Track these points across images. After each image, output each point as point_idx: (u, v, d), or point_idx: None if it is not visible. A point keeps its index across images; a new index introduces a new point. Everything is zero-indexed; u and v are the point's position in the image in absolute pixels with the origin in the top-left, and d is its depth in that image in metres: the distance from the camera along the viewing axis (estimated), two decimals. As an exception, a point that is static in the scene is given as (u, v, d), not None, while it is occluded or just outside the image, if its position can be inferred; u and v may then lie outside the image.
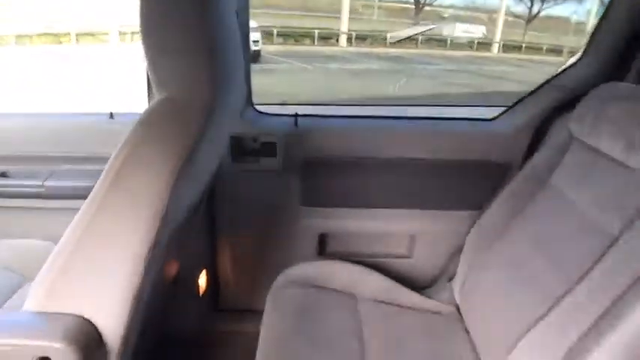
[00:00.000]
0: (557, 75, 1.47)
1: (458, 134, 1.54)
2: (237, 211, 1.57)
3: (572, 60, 1.45)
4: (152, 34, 0.71)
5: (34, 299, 0.76)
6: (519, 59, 15.98)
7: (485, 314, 1.18)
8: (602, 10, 1.39)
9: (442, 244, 1.58)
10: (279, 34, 14.70)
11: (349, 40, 15.99)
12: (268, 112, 1.54)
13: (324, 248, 1.64)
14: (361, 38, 16.01)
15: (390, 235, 1.64)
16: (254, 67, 1.53)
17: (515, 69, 13.76)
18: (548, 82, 1.48)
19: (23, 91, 6.19)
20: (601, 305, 0.87)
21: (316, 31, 15.16)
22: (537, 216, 1.18)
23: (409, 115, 1.67)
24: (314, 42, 15.20)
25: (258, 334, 1.21)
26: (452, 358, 1.18)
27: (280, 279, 1.38)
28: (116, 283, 0.76)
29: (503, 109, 1.56)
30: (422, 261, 1.64)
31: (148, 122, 0.74)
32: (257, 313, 1.29)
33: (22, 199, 1.43)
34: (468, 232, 1.38)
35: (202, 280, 1.60)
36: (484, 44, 18.42)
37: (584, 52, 1.42)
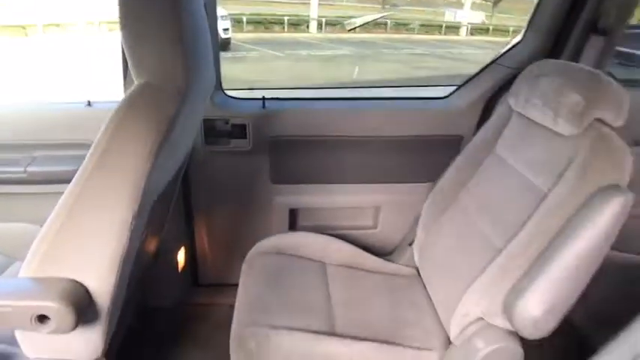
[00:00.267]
0: (501, 55, 1.60)
1: (415, 112, 1.66)
2: (212, 191, 1.66)
3: (515, 41, 1.58)
4: (130, 24, 0.80)
5: (30, 266, 0.85)
6: (487, 41, 16.26)
7: (440, 271, 1.32)
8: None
9: (404, 214, 1.71)
10: (248, 22, 14.58)
11: (319, 26, 15.98)
12: (237, 96, 1.63)
13: (295, 223, 1.76)
14: (331, 24, 16.01)
15: (357, 207, 1.77)
16: (225, 55, 1.62)
17: (481, 51, 14.02)
18: (493, 61, 1.61)
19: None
20: (534, 252, 1.01)
21: (286, 18, 15.09)
22: (483, 182, 1.32)
23: (370, 96, 1.79)
24: (284, 29, 15.15)
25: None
26: (410, 309, 1.32)
27: (254, 250, 1.49)
28: (104, 249, 0.85)
29: (454, 87, 1.68)
30: (386, 230, 1.77)
31: (130, 104, 0.83)
32: (234, 287, 1.38)
33: (4, 185, 1.49)
34: None
35: (181, 256, 1.70)
36: (452, 27, 18.63)
37: (525, 33, 1.56)
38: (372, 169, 1.69)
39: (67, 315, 0.81)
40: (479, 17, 19.35)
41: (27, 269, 0.85)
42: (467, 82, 1.66)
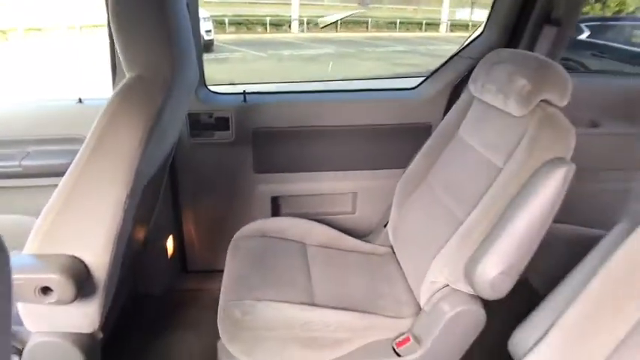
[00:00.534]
0: (464, 47, 1.72)
1: (387, 102, 1.77)
2: (198, 181, 1.76)
3: (476, 34, 1.70)
4: (122, 23, 0.90)
5: (33, 244, 0.94)
6: (466, 37, 16.44)
7: (410, 246, 1.43)
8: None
9: (380, 198, 1.82)
10: (230, 23, 14.60)
11: (301, 26, 16.06)
12: (220, 91, 1.73)
13: (277, 210, 1.86)
14: (313, 24, 16.10)
15: (335, 194, 1.87)
16: (208, 56, 1.72)
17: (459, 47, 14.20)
18: (457, 53, 1.73)
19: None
20: (490, 221, 1.12)
21: (268, 19, 15.14)
22: (448, 163, 1.43)
23: (345, 88, 1.90)
24: (266, 29, 15.20)
25: None
26: (385, 283, 1.43)
27: (239, 233, 1.58)
28: (100, 227, 0.95)
29: (423, 78, 1.80)
30: (363, 215, 1.88)
31: (122, 95, 0.93)
32: (221, 273, 1.46)
33: (0, 179, 1.57)
34: None
35: (170, 244, 1.79)
36: (433, 25, 18.82)
37: (485, 26, 1.68)
38: (349, 157, 1.80)
39: (67, 286, 0.91)
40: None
41: (30, 247, 0.94)
42: (433, 73, 1.77)
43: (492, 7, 1.64)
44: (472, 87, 1.39)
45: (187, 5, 1.17)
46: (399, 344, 1.21)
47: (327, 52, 12.61)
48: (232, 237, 1.60)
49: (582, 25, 6.16)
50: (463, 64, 1.69)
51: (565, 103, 1.16)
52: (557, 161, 1.06)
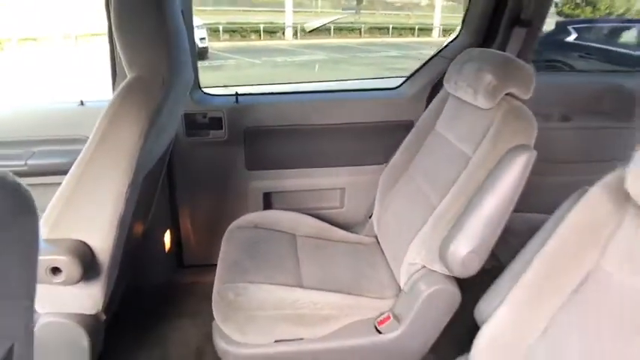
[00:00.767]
0: (442, 49, 1.83)
1: (371, 102, 1.88)
2: (193, 178, 1.86)
3: (453, 36, 1.81)
4: (124, 28, 1.00)
5: (43, 230, 1.04)
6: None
7: (392, 233, 1.54)
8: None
9: (367, 193, 1.92)
10: (225, 31, 14.72)
11: (295, 33, 16.20)
12: (213, 93, 1.83)
13: (269, 205, 1.96)
14: (307, 31, 16.24)
15: (324, 189, 1.97)
16: (202, 63, 1.83)
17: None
18: (436, 55, 1.84)
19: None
20: (461, 205, 1.23)
21: (261, 26, 15.27)
22: (426, 155, 1.54)
23: (331, 89, 2.01)
24: (260, 37, 15.32)
25: None
26: (369, 269, 1.53)
27: (233, 225, 1.68)
28: (104, 214, 1.05)
29: (404, 79, 1.91)
30: (351, 209, 1.98)
31: (124, 94, 1.03)
32: (216, 266, 1.53)
33: None
34: None
35: (167, 239, 1.88)
36: (425, 30, 19.00)
37: (461, 28, 1.79)
38: (337, 154, 1.90)
39: (74, 267, 1.01)
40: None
41: (41, 232, 1.04)
42: (414, 73, 1.88)
43: (467, 10, 1.76)
44: (447, 85, 1.49)
45: (182, 13, 1.27)
46: (381, 322, 1.31)
47: (321, 58, 12.76)
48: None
49: (570, 28, 6.31)
50: (441, 65, 1.80)
51: (528, 96, 1.27)
52: (519, 148, 1.17)
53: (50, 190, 1.05)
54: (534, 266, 0.89)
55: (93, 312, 1.16)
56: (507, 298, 0.90)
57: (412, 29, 18.44)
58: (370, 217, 1.74)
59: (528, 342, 0.86)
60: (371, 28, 17.57)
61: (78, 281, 1.03)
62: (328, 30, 15.96)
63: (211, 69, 10.11)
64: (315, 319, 1.29)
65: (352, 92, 1.93)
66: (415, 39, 17.75)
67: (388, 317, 1.31)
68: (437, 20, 19.48)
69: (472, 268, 1.19)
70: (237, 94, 1.79)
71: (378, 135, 1.88)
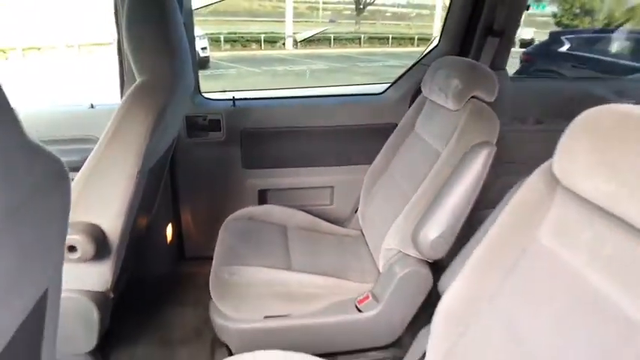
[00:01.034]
0: (423, 57, 1.99)
1: (358, 106, 2.03)
2: (193, 176, 2.01)
3: (434, 44, 1.97)
4: (133, 35, 1.16)
5: None
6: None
7: (374, 226, 1.68)
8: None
9: (354, 191, 2.06)
10: (226, 41, 14.94)
11: (295, 42, 16.42)
12: (213, 97, 1.99)
13: (263, 201, 2.11)
14: (307, 40, 16.46)
15: (315, 187, 2.12)
16: (204, 72, 1.99)
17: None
18: (417, 62, 1.99)
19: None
20: (431, 196, 1.38)
21: (262, 36, 15.50)
22: (405, 153, 1.69)
23: (321, 94, 2.16)
24: (261, 46, 15.54)
25: None
26: (353, 257, 1.68)
27: (230, 217, 1.84)
28: (115, 199, 1.20)
29: (388, 84, 2.06)
30: (340, 206, 2.13)
31: (134, 96, 1.18)
32: None
33: None
34: None
35: (169, 232, 2.03)
36: (424, 40, 19.24)
37: (440, 37, 1.95)
38: (326, 154, 2.05)
39: (88, 245, 1.16)
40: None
41: None
42: (397, 79, 2.04)
43: (445, 20, 1.91)
44: (423, 89, 1.65)
45: (184, 23, 1.43)
46: (360, 301, 1.45)
47: (320, 67, 12.95)
48: None
49: (563, 38, 6.49)
50: (422, 71, 1.95)
51: (493, 98, 1.42)
52: (481, 145, 1.31)
53: None
54: (483, 243, 1.01)
55: (103, 289, 1.30)
56: (461, 272, 1.00)
57: (412, 39, 18.68)
58: (356, 211, 1.89)
59: (478, 308, 0.96)
60: (371, 38, 17.82)
61: (91, 258, 1.17)
62: (328, 40, 16.21)
63: (213, 78, 10.30)
64: (302, 296, 1.43)
65: (341, 97, 2.09)
66: (415, 48, 17.98)
67: (367, 297, 1.45)
68: (436, 30, 19.71)
69: (440, 251, 1.34)
70: (234, 99, 1.95)
71: (364, 137, 2.02)
